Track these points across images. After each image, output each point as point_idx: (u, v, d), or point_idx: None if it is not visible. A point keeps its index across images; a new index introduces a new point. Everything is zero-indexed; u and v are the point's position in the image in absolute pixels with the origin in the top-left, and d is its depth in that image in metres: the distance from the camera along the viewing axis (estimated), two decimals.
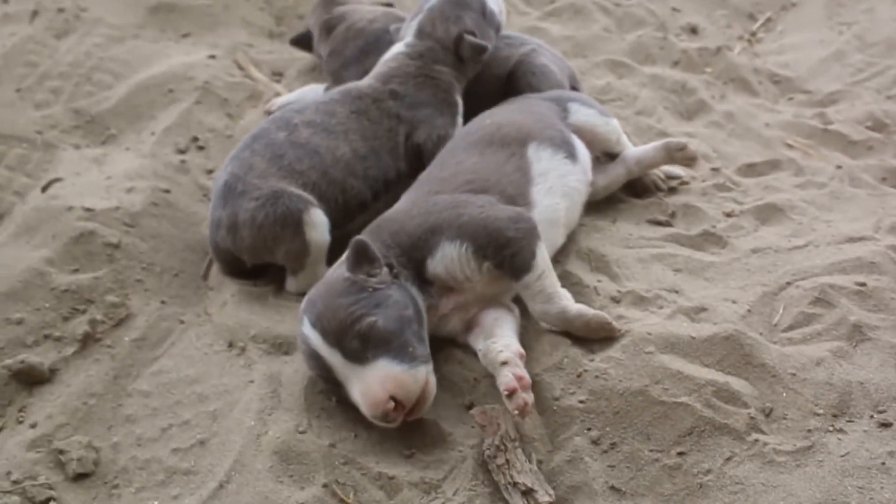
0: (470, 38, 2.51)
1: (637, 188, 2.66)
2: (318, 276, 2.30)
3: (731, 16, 3.78)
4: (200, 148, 2.82)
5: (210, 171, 2.73)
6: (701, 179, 2.69)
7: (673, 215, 2.52)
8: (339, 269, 1.93)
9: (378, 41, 2.83)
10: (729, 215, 2.50)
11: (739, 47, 3.58)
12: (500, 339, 1.93)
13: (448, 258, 1.96)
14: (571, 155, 2.34)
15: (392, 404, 1.70)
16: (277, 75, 3.30)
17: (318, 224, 2.25)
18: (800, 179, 2.66)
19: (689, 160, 2.58)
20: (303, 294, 2.29)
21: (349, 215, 2.38)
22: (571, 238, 2.34)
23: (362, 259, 1.87)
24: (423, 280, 1.99)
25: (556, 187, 2.24)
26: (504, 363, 1.83)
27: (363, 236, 1.96)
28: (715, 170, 2.75)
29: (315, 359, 1.81)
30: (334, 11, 3.06)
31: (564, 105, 2.53)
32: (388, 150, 2.42)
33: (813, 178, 2.64)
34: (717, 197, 2.60)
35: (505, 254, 1.94)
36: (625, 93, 3.14)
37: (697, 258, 2.29)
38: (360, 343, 1.73)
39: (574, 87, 2.89)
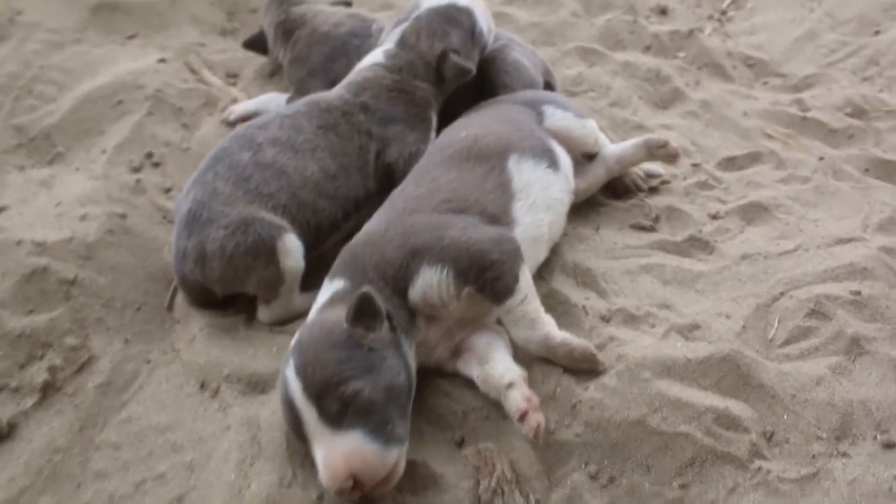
0: (455, 57, 2.38)
1: (618, 188, 2.58)
2: (292, 305, 2.19)
3: None
4: (156, 165, 2.65)
5: (168, 190, 2.58)
6: (682, 177, 2.61)
7: (657, 219, 2.44)
8: (338, 312, 1.77)
9: (345, 46, 2.68)
10: (714, 217, 2.43)
11: (710, 28, 3.48)
12: (498, 363, 1.87)
13: (427, 284, 1.86)
14: (553, 164, 2.25)
15: (351, 483, 1.58)
16: (233, 77, 3.12)
17: (293, 251, 2.12)
18: (782, 173, 2.60)
19: (670, 157, 2.50)
20: (276, 323, 2.20)
21: (321, 237, 2.26)
22: (555, 250, 2.26)
23: (365, 314, 1.73)
24: (409, 315, 1.89)
25: (539, 201, 2.14)
26: (510, 386, 1.78)
27: (357, 280, 1.85)
28: (695, 165, 2.68)
29: (290, 407, 1.70)
30: (291, 12, 2.88)
31: (539, 109, 2.42)
32: (358, 168, 2.30)
33: (795, 172, 2.59)
34: (699, 196, 2.53)
35: (487, 277, 1.85)
36: (597, 83, 3.04)
37: (686, 268, 2.22)
38: (340, 407, 1.61)
39: (548, 81, 2.78)
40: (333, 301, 1.86)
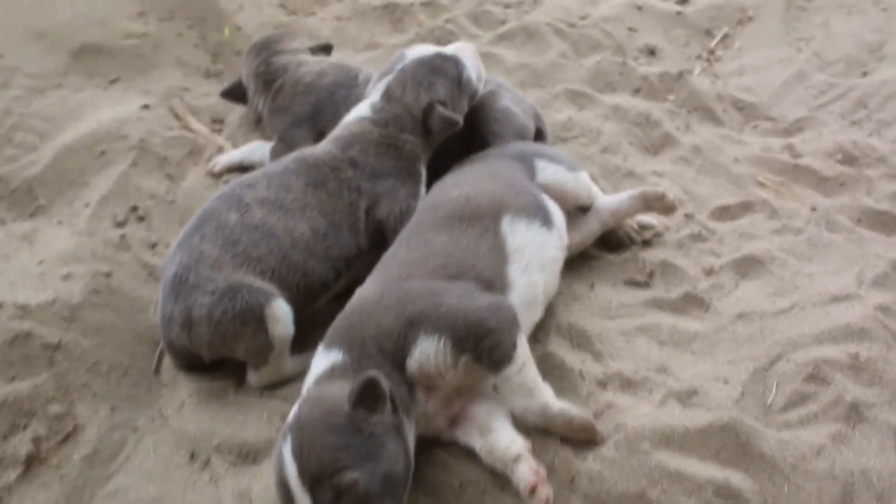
0: (441, 109, 2.34)
1: (611, 241, 2.56)
2: (282, 369, 2.15)
3: (688, 33, 3.69)
4: (141, 218, 2.60)
5: (153, 246, 2.53)
6: (675, 229, 2.61)
7: (651, 275, 2.43)
8: (339, 389, 1.72)
9: (332, 97, 2.64)
10: (709, 273, 2.43)
11: (699, 68, 3.49)
12: (502, 434, 1.85)
13: (424, 354, 1.83)
14: (547, 222, 2.23)
15: None
16: (218, 122, 3.07)
17: (282, 317, 2.09)
18: (775, 224, 2.60)
19: (667, 209, 2.49)
20: (266, 387, 2.16)
21: (311, 298, 2.23)
22: (550, 310, 2.24)
23: (369, 398, 1.68)
24: (408, 386, 1.85)
25: (534, 262, 2.12)
26: (517, 458, 1.76)
27: (364, 366, 1.79)
28: (688, 216, 2.67)
29: (284, 489, 1.66)
30: (272, 63, 2.83)
31: (530, 162, 2.40)
32: (349, 225, 2.27)
33: (789, 223, 2.59)
34: (693, 249, 2.52)
35: (484, 345, 1.83)
36: (587, 127, 3.03)
37: (682, 328, 2.21)
38: (334, 497, 1.58)
39: (539, 127, 2.76)
40: (333, 374, 1.81)
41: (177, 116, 2.99)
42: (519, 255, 2.10)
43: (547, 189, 2.36)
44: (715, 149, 2.96)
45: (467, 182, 2.27)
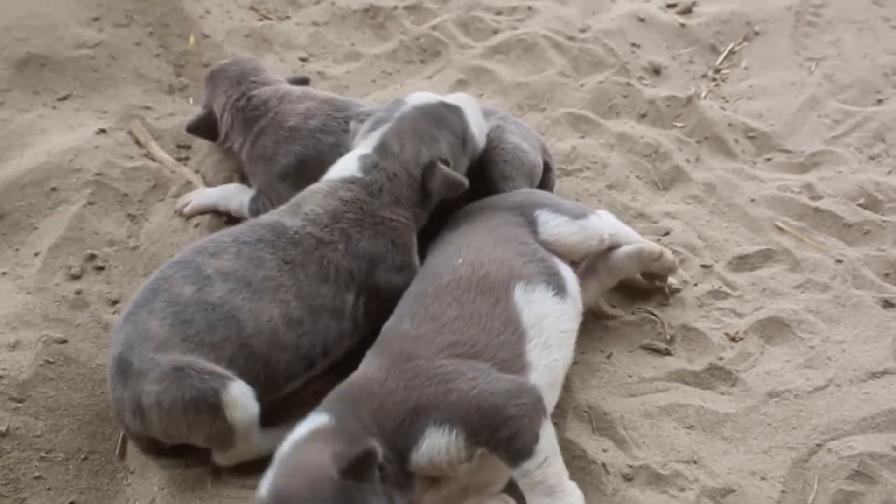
0: (444, 169, 2.09)
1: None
2: (252, 448, 1.92)
3: (693, 50, 3.49)
4: (99, 269, 2.33)
5: (114, 302, 2.27)
6: (693, 282, 2.44)
7: (671, 340, 2.26)
8: (321, 453, 1.54)
9: (318, 146, 2.36)
10: (732, 339, 2.27)
11: (706, 90, 3.31)
12: None
13: (435, 448, 1.66)
14: (561, 289, 2.04)
15: None
16: (184, 149, 2.77)
17: (241, 400, 1.84)
18: (798, 277, 2.45)
19: (666, 270, 2.34)
20: (237, 465, 1.94)
21: (274, 389, 1.99)
22: (566, 386, 2.06)
23: (363, 468, 1.52)
24: (405, 474, 1.68)
25: (553, 338, 1.94)
26: None
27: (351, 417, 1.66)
28: (706, 267, 2.51)
29: None
30: (253, 98, 2.50)
31: (532, 217, 2.18)
32: (331, 311, 2.01)
33: (813, 277, 2.44)
34: (714, 309, 2.36)
35: (501, 436, 1.65)
36: (592, 159, 2.83)
37: (710, 408, 2.05)
38: None
39: (546, 162, 2.54)
40: (315, 437, 1.63)
41: (138, 142, 2.68)
42: (537, 330, 1.91)
43: (551, 246, 2.16)
44: (729, 186, 2.79)
45: (470, 246, 2.05)
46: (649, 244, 2.35)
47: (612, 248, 2.30)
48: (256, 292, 1.93)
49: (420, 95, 2.21)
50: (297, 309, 1.96)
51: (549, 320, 1.96)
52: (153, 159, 2.63)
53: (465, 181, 2.13)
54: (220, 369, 1.85)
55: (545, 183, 2.54)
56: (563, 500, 1.69)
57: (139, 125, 2.74)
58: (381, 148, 2.09)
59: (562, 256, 2.17)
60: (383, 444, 1.62)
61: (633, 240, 2.34)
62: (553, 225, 2.19)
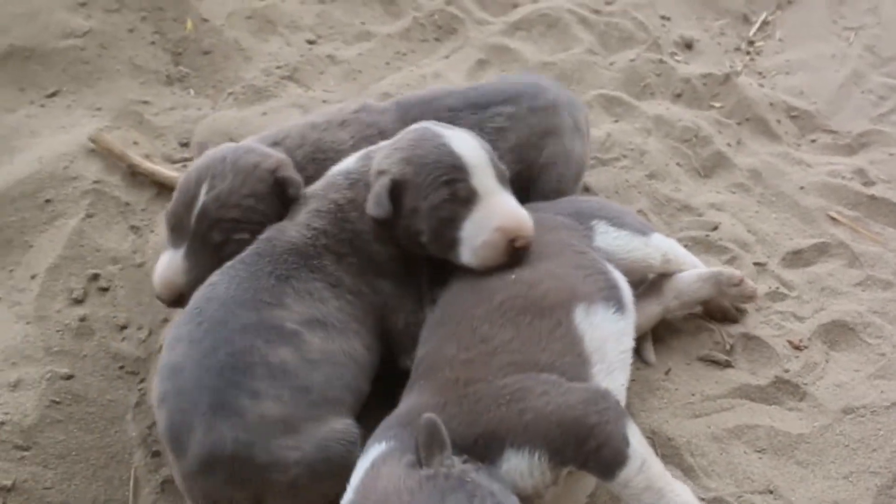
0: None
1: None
2: None
3: (724, 22, 3.27)
4: (103, 290, 2.10)
5: (123, 328, 2.05)
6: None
7: (731, 351, 2.09)
8: (396, 467, 1.41)
9: None
10: (796, 347, 2.09)
11: (741, 64, 3.09)
12: None
13: (517, 472, 1.49)
14: (620, 305, 1.85)
15: None
16: (186, 147, 2.53)
17: None
18: (858, 273, 2.28)
19: (745, 298, 2.15)
20: None
21: None
22: (626, 408, 1.87)
23: (435, 442, 1.39)
24: None
25: (616, 362, 1.77)
26: None
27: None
28: (759, 265, 2.33)
29: None
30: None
31: (588, 224, 2.01)
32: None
33: (873, 273, 2.27)
34: (773, 313, 2.19)
35: (589, 447, 1.49)
36: (629, 145, 2.62)
37: (781, 428, 1.89)
38: None
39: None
40: (381, 463, 1.46)
41: (110, 152, 2.34)
42: (600, 355, 1.73)
43: (606, 255, 1.97)
44: (775, 172, 2.60)
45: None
46: (728, 269, 2.16)
47: (670, 272, 2.13)
48: (334, 329, 1.75)
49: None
50: (361, 330, 1.81)
51: (612, 342, 1.78)
52: (139, 172, 2.35)
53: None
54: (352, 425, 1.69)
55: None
56: (675, 500, 1.52)
57: (104, 136, 2.36)
58: None
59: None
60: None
61: (696, 265, 2.16)
62: (612, 237, 2.01)
